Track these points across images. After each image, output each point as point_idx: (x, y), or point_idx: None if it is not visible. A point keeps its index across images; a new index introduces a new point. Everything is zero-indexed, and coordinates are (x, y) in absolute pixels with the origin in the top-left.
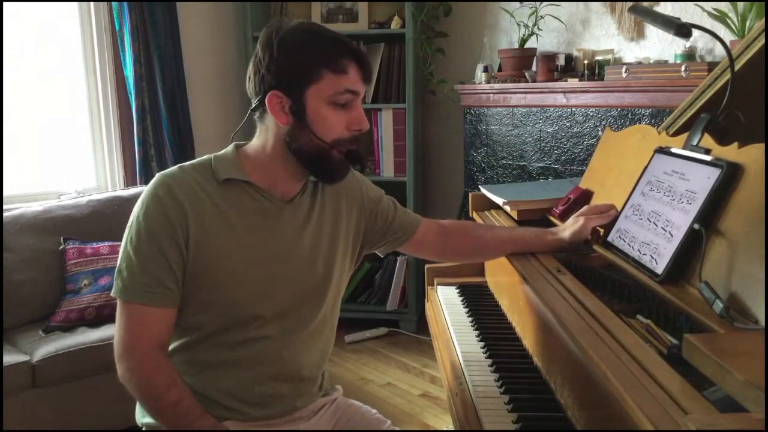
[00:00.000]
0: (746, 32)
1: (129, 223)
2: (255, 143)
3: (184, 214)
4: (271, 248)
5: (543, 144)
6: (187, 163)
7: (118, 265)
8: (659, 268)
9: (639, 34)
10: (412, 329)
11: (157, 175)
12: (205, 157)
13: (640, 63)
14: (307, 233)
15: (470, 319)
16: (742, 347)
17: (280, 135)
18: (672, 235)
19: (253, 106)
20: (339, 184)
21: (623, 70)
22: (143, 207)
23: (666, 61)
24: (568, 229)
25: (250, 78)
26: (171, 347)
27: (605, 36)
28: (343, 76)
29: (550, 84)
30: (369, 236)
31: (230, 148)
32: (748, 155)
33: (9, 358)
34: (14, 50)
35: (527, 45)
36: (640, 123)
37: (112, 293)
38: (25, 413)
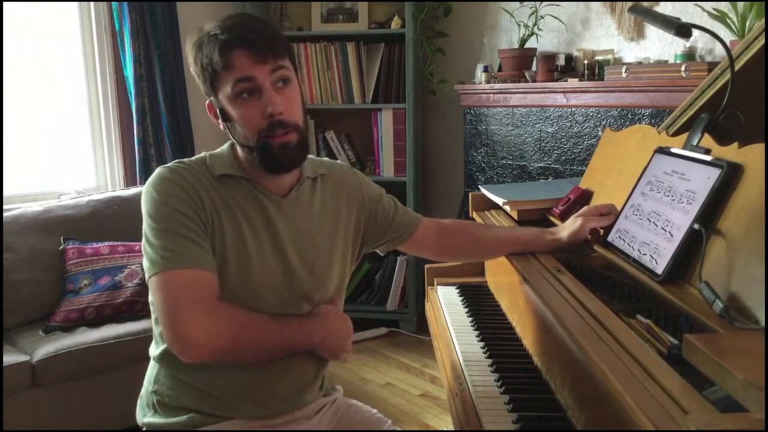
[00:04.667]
0: (746, 32)
1: (145, 211)
2: None
3: (197, 192)
4: (269, 241)
5: (543, 144)
6: (185, 159)
7: (144, 252)
8: (659, 268)
9: (639, 34)
10: (412, 329)
11: (158, 169)
12: (200, 154)
13: (640, 63)
14: (305, 228)
15: (470, 319)
16: (742, 347)
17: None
18: (672, 235)
19: None
20: (339, 182)
21: (623, 70)
22: (153, 189)
23: (666, 61)
24: (566, 229)
25: None
26: None
27: (605, 36)
28: (229, 70)
29: (550, 84)
30: (369, 234)
31: (226, 146)
32: (748, 155)
33: (9, 358)
34: (14, 50)
35: (527, 45)
36: (640, 123)
37: (146, 277)
38: (25, 413)
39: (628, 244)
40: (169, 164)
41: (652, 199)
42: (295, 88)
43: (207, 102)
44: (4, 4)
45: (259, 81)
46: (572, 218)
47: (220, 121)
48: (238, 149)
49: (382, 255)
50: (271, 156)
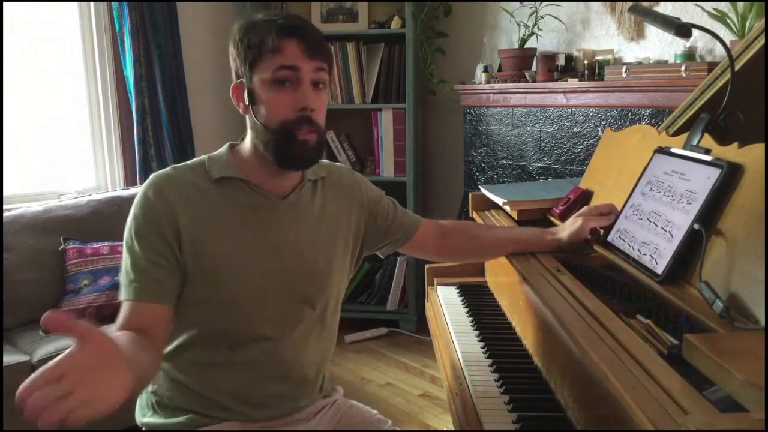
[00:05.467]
0: (746, 32)
1: (126, 226)
2: (245, 141)
3: (173, 211)
4: (267, 243)
5: (543, 144)
6: (181, 163)
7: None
8: (659, 268)
9: (639, 34)
10: (412, 329)
11: (150, 177)
12: (200, 157)
13: (640, 63)
14: (305, 230)
15: (470, 319)
16: (742, 347)
17: (250, 127)
18: (672, 235)
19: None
20: (339, 184)
21: (623, 70)
22: (134, 210)
23: (666, 61)
24: (566, 229)
25: None
26: (172, 347)
27: (605, 36)
28: (277, 54)
29: (550, 84)
30: (369, 237)
31: (224, 147)
32: (748, 155)
33: (9, 358)
34: (14, 50)
35: (527, 45)
36: (640, 123)
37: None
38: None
39: (628, 244)
40: (162, 171)
41: (652, 199)
42: (326, 95)
43: (233, 84)
44: (4, 4)
45: (302, 73)
46: (572, 218)
47: (244, 102)
48: (246, 143)
49: (382, 258)
50: (288, 146)
